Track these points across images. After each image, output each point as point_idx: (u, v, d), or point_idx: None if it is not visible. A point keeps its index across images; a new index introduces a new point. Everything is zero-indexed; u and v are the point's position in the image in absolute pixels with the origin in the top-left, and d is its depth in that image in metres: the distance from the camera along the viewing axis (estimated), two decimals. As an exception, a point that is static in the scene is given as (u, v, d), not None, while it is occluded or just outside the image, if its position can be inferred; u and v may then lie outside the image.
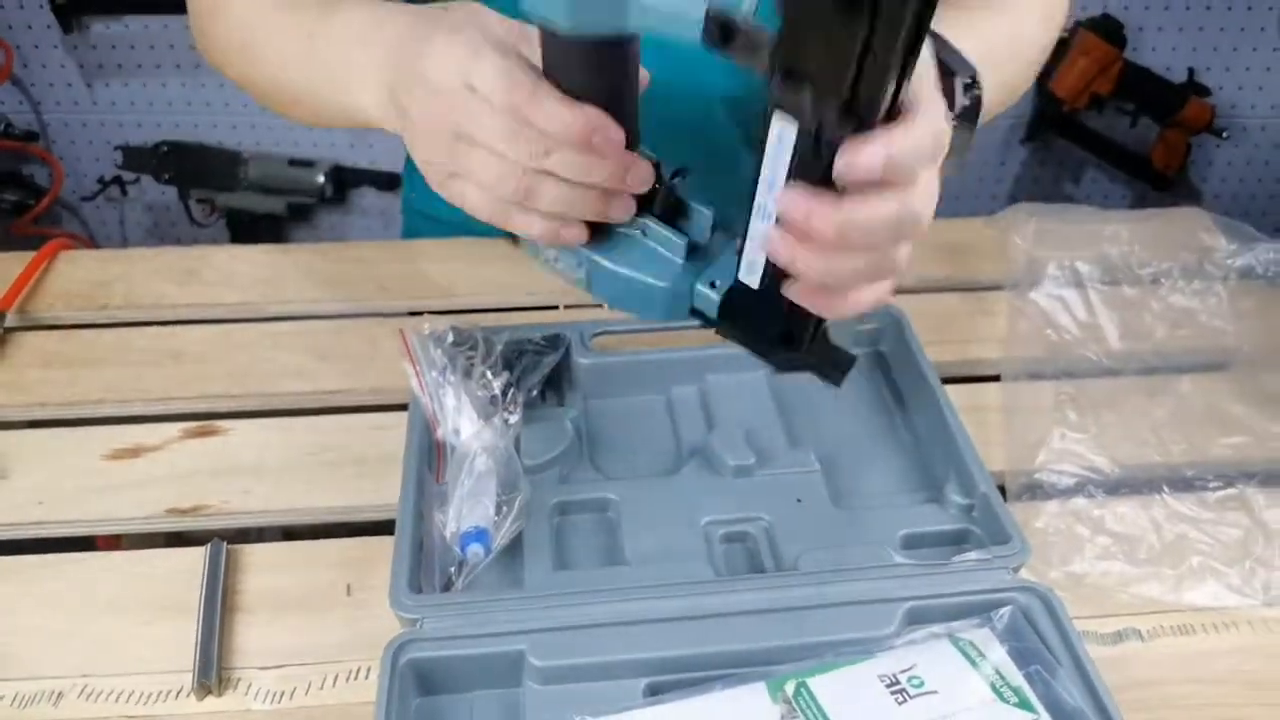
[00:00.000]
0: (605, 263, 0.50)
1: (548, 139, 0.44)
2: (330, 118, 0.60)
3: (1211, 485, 0.63)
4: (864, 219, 0.39)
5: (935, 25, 0.41)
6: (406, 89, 0.48)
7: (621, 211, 0.48)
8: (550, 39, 0.44)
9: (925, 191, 0.41)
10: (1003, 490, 0.60)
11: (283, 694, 0.53)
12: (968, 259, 0.83)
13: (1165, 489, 0.62)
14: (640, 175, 0.47)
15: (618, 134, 0.44)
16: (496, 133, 0.44)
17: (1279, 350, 0.74)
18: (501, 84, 0.44)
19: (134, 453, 0.66)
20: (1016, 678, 0.49)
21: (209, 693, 0.52)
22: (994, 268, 0.82)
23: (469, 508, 0.56)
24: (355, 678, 0.53)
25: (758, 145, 0.41)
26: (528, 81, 0.44)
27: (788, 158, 0.40)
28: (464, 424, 0.60)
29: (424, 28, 0.48)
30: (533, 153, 0.44)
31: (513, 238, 0.86)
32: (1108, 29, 1.71)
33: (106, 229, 1.96)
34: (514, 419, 0.62)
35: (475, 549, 0.54)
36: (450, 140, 0.46)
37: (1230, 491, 0.62)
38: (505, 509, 0.56)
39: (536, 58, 0.45)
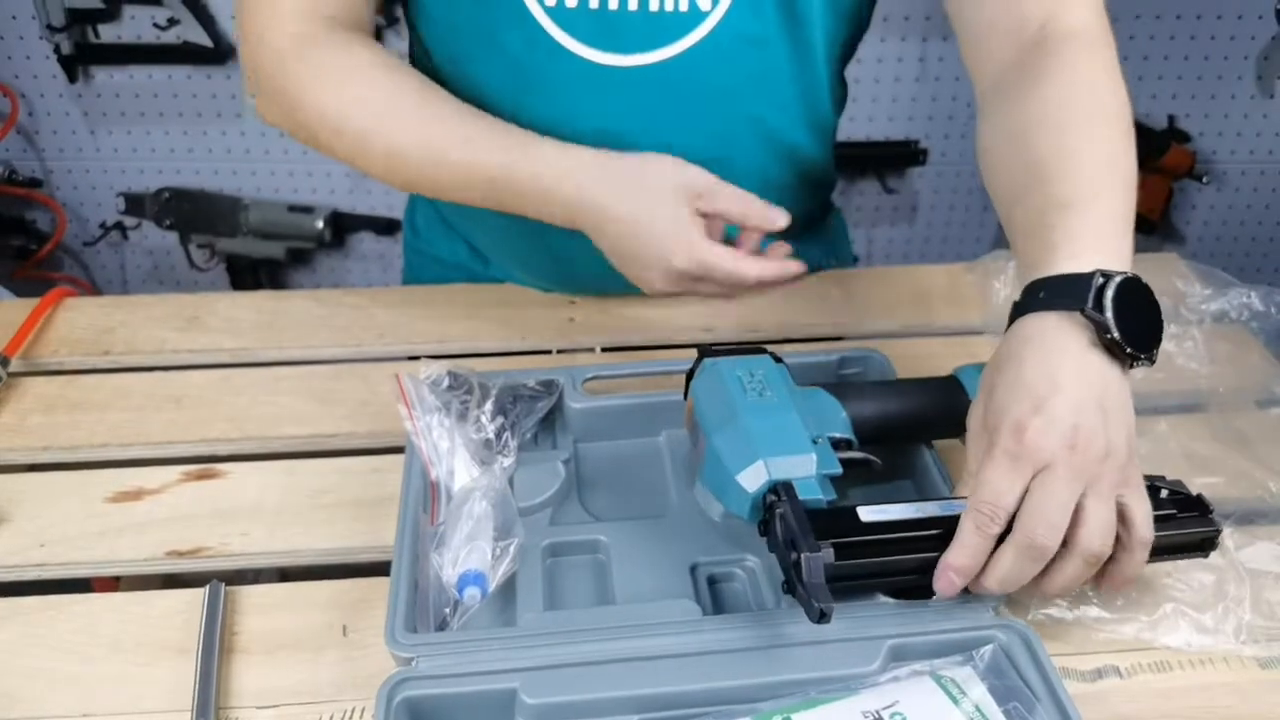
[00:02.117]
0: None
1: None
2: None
3: (1187, 526, 0.64)
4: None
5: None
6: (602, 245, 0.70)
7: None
8: None
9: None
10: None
11: (279, 733, 0.54)
12: (949, 304, 0.86)
13: (1142, 530, 0.64)
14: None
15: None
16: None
17: (1253, 392, 0.76)
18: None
19: (135, 495, 0.68)
20: (997, 715, 0.50)
21: (206, 732, 0.53)
22: (975, 312, 0.84)
23: (466, 551, 0.57)
24: (351, 717, 0.54)
25: None
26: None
27: None
28: (458, 467, 0.62)
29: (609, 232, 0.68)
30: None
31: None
32: (1089, 78, 1.75)
33: (107, 273, 1.99)
34: (509, 461, 0.63)
35: (472, 591, 0.55)
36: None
37: (1205, 532, 0.64)
38: (501, 552, 0.57)
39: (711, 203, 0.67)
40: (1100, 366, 0.52)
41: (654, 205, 0.66)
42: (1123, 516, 0.52)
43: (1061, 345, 0.52)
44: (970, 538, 0.51)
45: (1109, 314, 0.51)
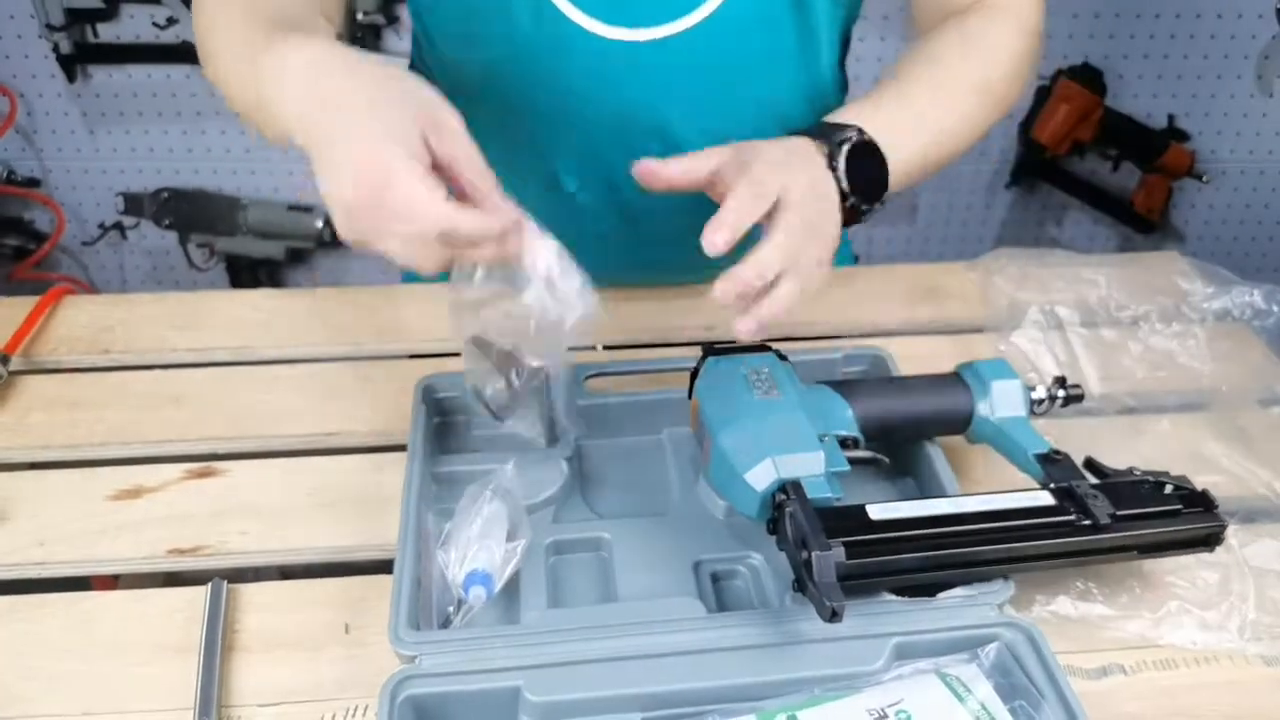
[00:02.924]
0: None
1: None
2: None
3: (1191, 524, 0.64)
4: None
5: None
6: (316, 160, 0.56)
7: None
8: None
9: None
10: (987, 528, 0.61)
11: (281, 732, 0.53)
12: (951, 302, 0.86)
13: (1145, 528, 0.64)
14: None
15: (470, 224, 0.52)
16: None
17: (1255, 391, 0.76)
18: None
19: (135, 494, 0.67)
20: (1002, 713, 0.50)
21: (208, 731, 0.53)
22: (976, 311, 0.84)
23: (475, 550, 0.56)
24: (354, 715, 0.54)
25: None
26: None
27: None
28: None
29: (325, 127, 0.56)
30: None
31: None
32: (1088, 77, 1.75)
33: (106, 274, 1.98)
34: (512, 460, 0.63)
35: (478, 591, 0.55)
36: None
37: (1210, 530, 0.64)
38: (509, 554, 0.57)
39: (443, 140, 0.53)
40: (828, 181, 0.61)
41: (381, 100, 0.53)
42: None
43: (807, 153, 0.62)
44: (739, 199, 0.56)
45: (839, 151, 0.62)
